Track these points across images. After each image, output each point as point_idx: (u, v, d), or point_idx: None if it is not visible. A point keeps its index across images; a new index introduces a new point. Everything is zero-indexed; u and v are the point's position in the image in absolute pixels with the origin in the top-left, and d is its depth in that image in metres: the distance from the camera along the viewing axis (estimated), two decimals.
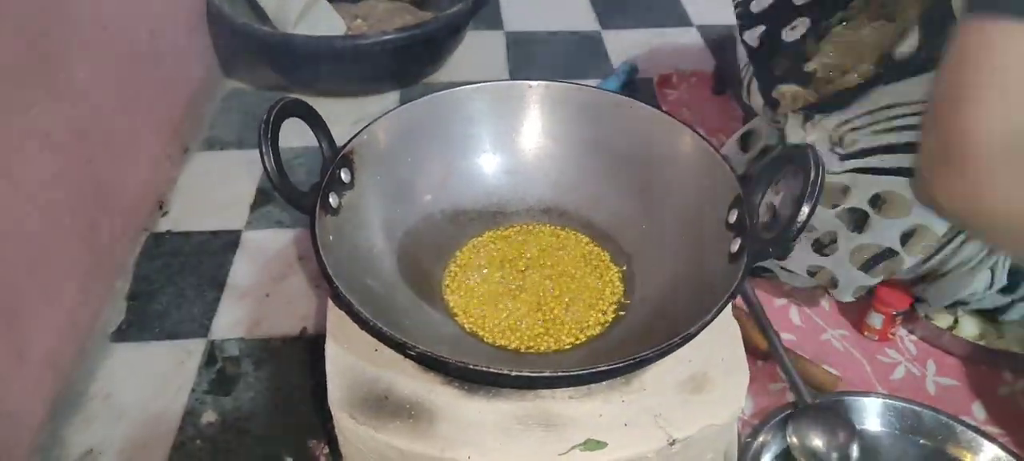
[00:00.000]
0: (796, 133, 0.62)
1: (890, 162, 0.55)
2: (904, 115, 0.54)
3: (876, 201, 0.56)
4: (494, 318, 0.55)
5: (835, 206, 0.59)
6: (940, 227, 0.55)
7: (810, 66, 0.58)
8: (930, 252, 0.57)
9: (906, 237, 0.56)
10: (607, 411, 0.46)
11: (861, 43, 0.56)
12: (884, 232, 0.57)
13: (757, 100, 0.71)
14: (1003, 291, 0.62)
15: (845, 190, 0.58)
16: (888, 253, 0.58)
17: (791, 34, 0.60)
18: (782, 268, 0.70)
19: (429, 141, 0.61)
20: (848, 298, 0.63)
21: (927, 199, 0.44)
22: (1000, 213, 0.40)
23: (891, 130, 0.55)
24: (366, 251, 0.55)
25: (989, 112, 0.38)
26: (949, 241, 0.58)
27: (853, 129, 0.57)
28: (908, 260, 0.57)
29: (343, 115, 0.94)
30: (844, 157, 0.57)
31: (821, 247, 0.61)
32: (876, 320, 0.67)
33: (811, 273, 0.64)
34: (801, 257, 0.63)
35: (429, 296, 0.56)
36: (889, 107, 0.55)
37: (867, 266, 0.59)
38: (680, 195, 0.58)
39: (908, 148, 0.54)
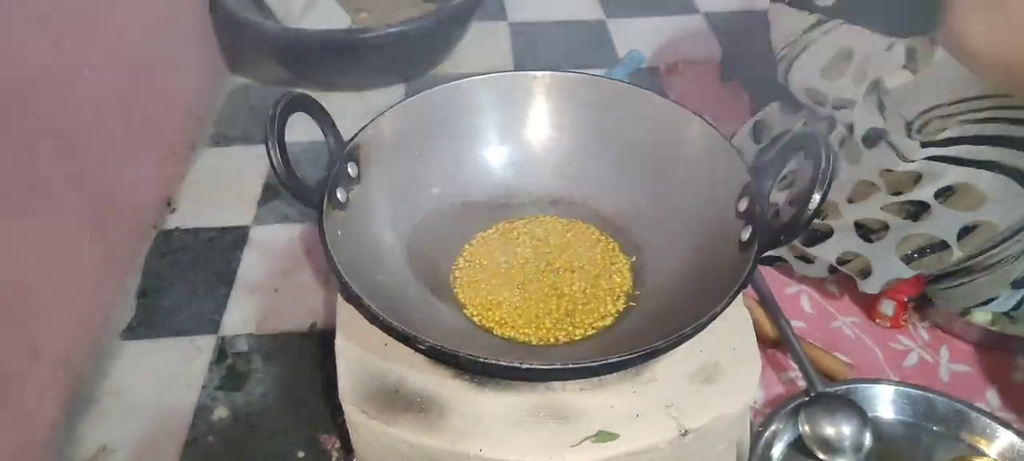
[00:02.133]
0: (869, 118, 0.59)
1: (975, 154, 0.54)
2: (997, 107, 0.53)
3: (945, 193, 0.55)
4: (503, 311, 0.55)
5: (898, 193, 0.57)
6: (1002, 222, 0.54)
7: None
8: (985, 249, 0.55)
9: (965, 232, 0.55)
10: (619, 402, 0.46)
11: None
12: (943, 223, 0.55)
13: (805, 76, 0.65)
14: (1015, 284, 0.61)
15: (917, 179, 0.56)
16: (940, 246, 0.56)
17: None
18: (797, 257, 0.69)
19: (436, 134, 0.61)
20: (874, 290, 0.62)
21: (952, 44, 0.45)
22: None
23: (982, 121, 0.54)
24: (374, 245, 0.54)
25: None
26: (1004, 240, 0.56)
27: (943, 116, 0.55)
28: (958, 254, 0.56)
29: (349, 109, 0.94)
30: (926, 144, 0.55)
31: (868, 233, 0.59)
32: (888, 307, 0.67)
33: (842, 261, 0.62)
34: (839, 242, 0.61)
35: (438, 289, 0.56)
36: (981, 98, 0.53)
37: (912, 257, 0.58)
38: (689, 184, 0.57)
39: (998, 141, 0.53)
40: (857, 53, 0.62)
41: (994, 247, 0.57)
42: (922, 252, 0.58)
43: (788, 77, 0.69)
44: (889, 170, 0.57)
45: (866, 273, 0.62)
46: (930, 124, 0.55)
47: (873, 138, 0.59)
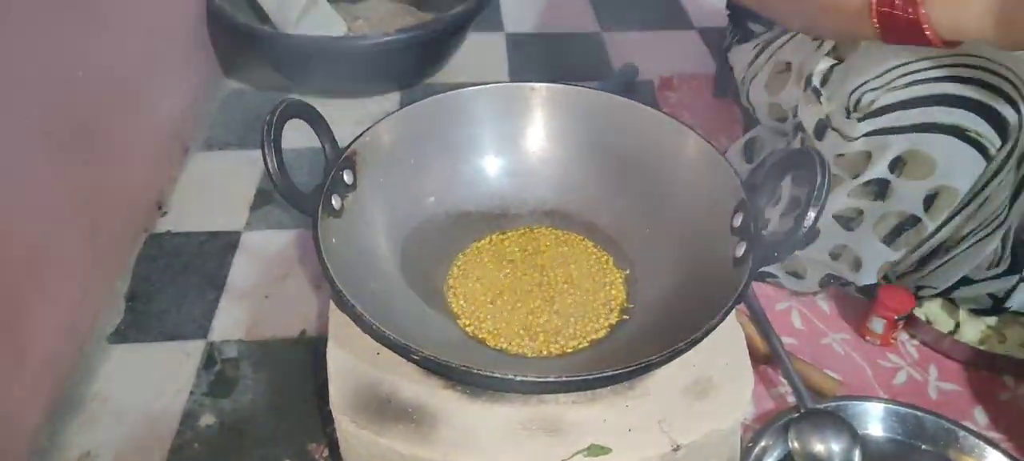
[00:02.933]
0: (811, 111, 0.61)
1: (909, 118, 0.55)
2: (918, 70, 0.55)
3: (897, 164, 0.56)
4: (497, 322, 0.55)
5: (857, 176, 0.58)
6: (963, 185, 0.55)
7: None
8: (952, 213, 0.56)
9: (929, 201, 0.56)
10: (611, 416, 0.46)
11: None
12: (908, 195, 0.57)
13: (759, 96, 0.71)
14: (1006, 273, 0.62)
15: (868, 157, 0.57)
16: (911, 221, 0.58)
17: None
18: (789, 273, 0.69)
19: (432, 143, 0.61)
20: (870, 279, 0.63)
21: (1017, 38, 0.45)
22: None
23: (908, 85, 0.55)
24: (368, 253, 0.54)
25: None
26: (968, 203, 0.57)
27: (871, 90, 0.57)
28: (930, 225, 0.57)
29: (344, 116, 0.93)
30: (862, 119, 0.57)
31: (847, 222, 0.60)
32: (878, 324, 0.67)
33: (834, 255, 0.64)
34: (827, 237, 0.63)
35: (432, 299, 0.56)
36: (905, 64, 0.55)
37: (891, 238, 0.59)
38: (684, 198, 0.57)
39: (927, 101, 0.54)
40: (793, 62, 0.67)
41: (962, 210, 0.58)
42: (898, 231, 0.59)
43: (749, 102, 0.74)
44: (841, 155, 0.59)
45: (857, 264, 0.63)
46: (863, 99, 0.57)
47: (820, 129, 0.61)
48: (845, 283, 0.68)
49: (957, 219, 0.59)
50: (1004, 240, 0.61)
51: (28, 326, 0.57)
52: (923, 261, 0.63)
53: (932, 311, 0.69)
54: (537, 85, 0.62)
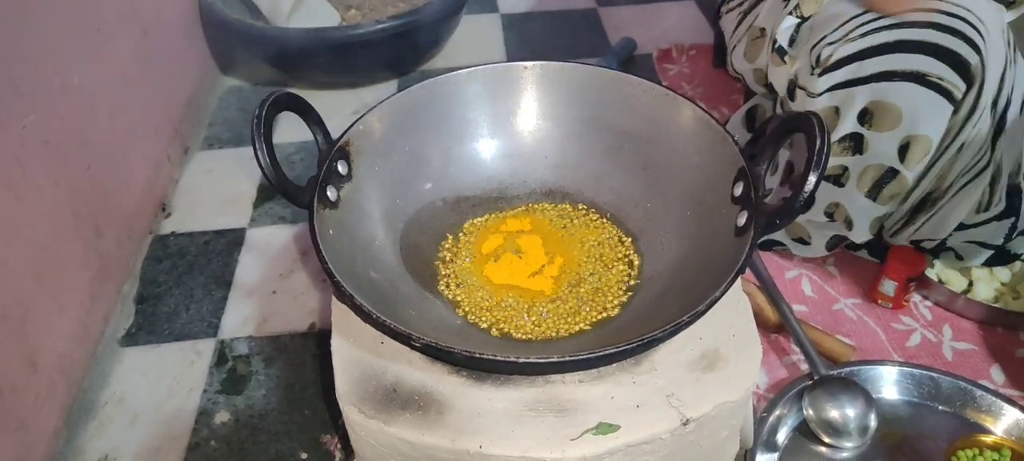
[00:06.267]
0: (779, 72, 0.62)
1: (868, 68, 0.55)
2: (873, 19, 0.55)
3: (865, 116, 0.56)
4: (499, 305, 0.54)
5: (830, 133, 0.58)
6: (933, 132, 0.55)
7: None
8: (928, 162, 0.56)
9: (903, 151, 0.56)
10: (619, 393, 0.46)
11: None
12: (881, 148, 0.57)
13: (741, 64, 0.71)
14: (1002, 215, 0.61)
15: (836, 112, 0.58)
16: (890, 173, 0.58)
17: None
18: (795, 239, 0.69)
19: (426, 128, 0.60)
20: (865, 236, 0.62)
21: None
22: None
23: (863, 35, 0.55)
24: (367, 243, 0.54)
25: None
26: (944, 150, 0.57)
27: (829, 44, 0.57)
28: (909, 176, 0.57)
29: (341, 107, 0.93)
30: (822, 73, 0.57)
31: (837, 179, 0.61)
32: (889, 287, 0.66)
33: (828, 214, 0.63)
34: (820, 198, 0.63)
35: (433, 286, 0.56)
36: (858, 16, 0.56)
37: (873, 192, 0.59)
38: (683, 170, 0.57)
39: (883, 50, 0.54)
40: (767, 27, 0.67)
41: (940, 158, 0.58)
42: (879, 185, 0.59)
43: (735, 70, 0.73)
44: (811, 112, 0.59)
45: (850, 223, 0.62)
46: (822, 54, 0.57)
47: (790, 89, 0.61)
48: (853, 244, 0.67)
49: (937, 167, 0.58)
50: (994, 184, 0.60)
51: (39, 333, 0.57)
52: (913, 213, 0.63)
53: (944, 271, 0.68)
54: (529, 64, 0.61)
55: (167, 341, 0.68)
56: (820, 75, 0.57)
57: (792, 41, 0.62)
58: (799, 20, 0.61)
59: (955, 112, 0.54)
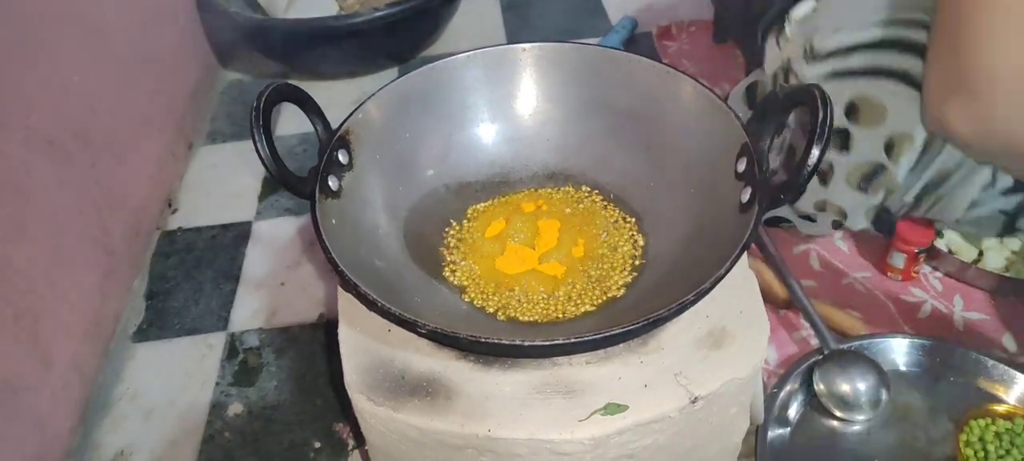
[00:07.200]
0: (773, 56, 0.61)
1: (856, 62, 0.54)
2: (871, 13, 0.55)
3: (851, 111, 0.56)
4: (505, 289, 0.54)
5: None
6: (918, 133, 0.54)
7: None
8: (915, 158, 0.56)
9: (888, 148, 0.56)
10: (626, 373, 0.46)
11: None
12: (867, 145, 0.56)
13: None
14: (1009, 192, 0.60)
15: None
16: (879, 168, 0.57)
17: None
18: (801, 216, 0.68)
19: (426, 114, 0.60)
20: (863, 224, 0.62)
21: (936, 126, 0.49)
22: (1013, 140, 0.46)
23: (858, 29, 0.55)
24: (371, 232, 0.54)
25: (1004, 49, 0.43)
26: (942, 146, 0.56)
27: (822, 33, 0.56)
28: (898, 172, 0.56)
29: (342, 97, 0.93)
30: (813, 61, 0.57)
31: (823, 177, 0.60)
32: (898, 259, 0.66)
33: (820, 207, 0.63)
34: (808, 194, 0.63)
35: (438, 272, 0.56)
36: (861, 3, 0.55)
37: (864, 184, 0.59)
38: (686, 148, 0.56)
39: (874, 46, 0.54)
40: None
41: (938, 155, 0.57)
42: (869, 178, 0.58)
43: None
44: None
45: (843, 213, 0.62)
46: (815, 41, 0.57)
47: (783, 72, 0.60)
48: None
49: (938, 161, 0.57)
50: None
51: (52, 332, 0.58)
52: (918, 200, 0.62)
53: (954, 241, 0.67)
54: (528, 45, 0.61)
55: (178, 336, 0.68)
56: (809, 62, 0.56)
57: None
58: (816, 1, 0.60)
59: None
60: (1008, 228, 0.64)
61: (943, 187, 0.60)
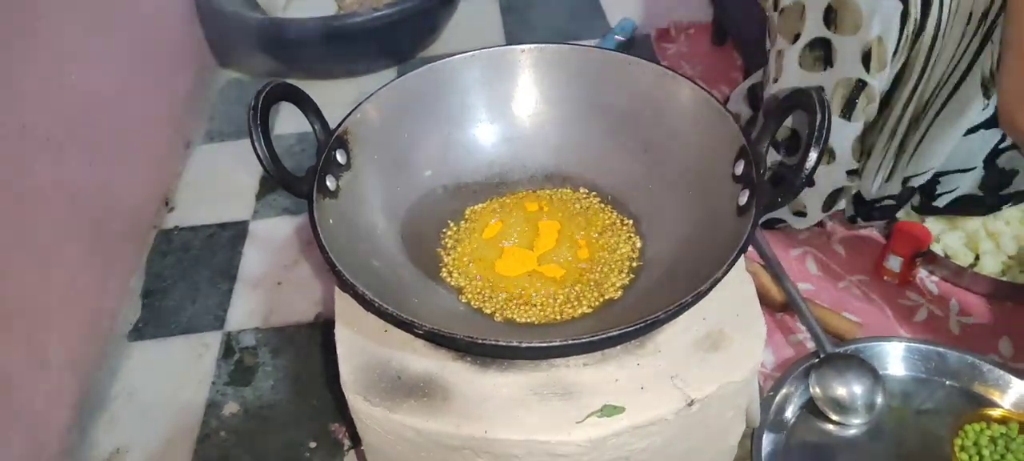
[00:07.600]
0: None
1: None
2: None
3: (830, 17, 0.57)
4: (502, 290, 0.54)
5: (797, 36, 0.59)
6: (887, 39, 0.56)
7: None
8: (885, 65, 0.57)
9: (867, 59, 0.57)
10: (623, 376, 0.46)
11: None
12: (847, 57, 0.57)
13: None
14: (989, 123, 0.60)
15: (801, 11, 0.58)
16: (859, 85, 0.58)
17: None
18: (795, 213, 0.68)
19: (424, 115, 0.60)
20: (850, 164, 0.62)
21: (1012, 131, 0.50)
22: None
23: None
24: (368, 232, 0.54)
25: None
26: (920, 73, 0.58)
27: None
28: (875, 84, 0.57)
29: (341, 97, 0.93)
30: None
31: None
32: (895, 263, 0.66)
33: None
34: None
35: (435, 273, 0.56)
36: None
37: (846, 110, 0.59)
38: (684, 150, 0.56)
39: None
40: None
41: (917, 86, 0.58)
42: (851, 102, 0.59)
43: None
44: (782, 10, 0.60)
45: (832, 154, 0.62)
46: None
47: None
48: (852, 216, 0.66)
49: (919, 91, 0.58)
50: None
51: (48, 331, 0.58)
52: (901, 149, 0.62)
53: (950, 245, 0.68)
54: (527, 47, 0.61)
55: (174, 335, 0.68)
56: None
57: None
58: None
59: (905, 17, 0.54)
60: (989, 183, 0.64)
61: (923, 122, 0.60)
